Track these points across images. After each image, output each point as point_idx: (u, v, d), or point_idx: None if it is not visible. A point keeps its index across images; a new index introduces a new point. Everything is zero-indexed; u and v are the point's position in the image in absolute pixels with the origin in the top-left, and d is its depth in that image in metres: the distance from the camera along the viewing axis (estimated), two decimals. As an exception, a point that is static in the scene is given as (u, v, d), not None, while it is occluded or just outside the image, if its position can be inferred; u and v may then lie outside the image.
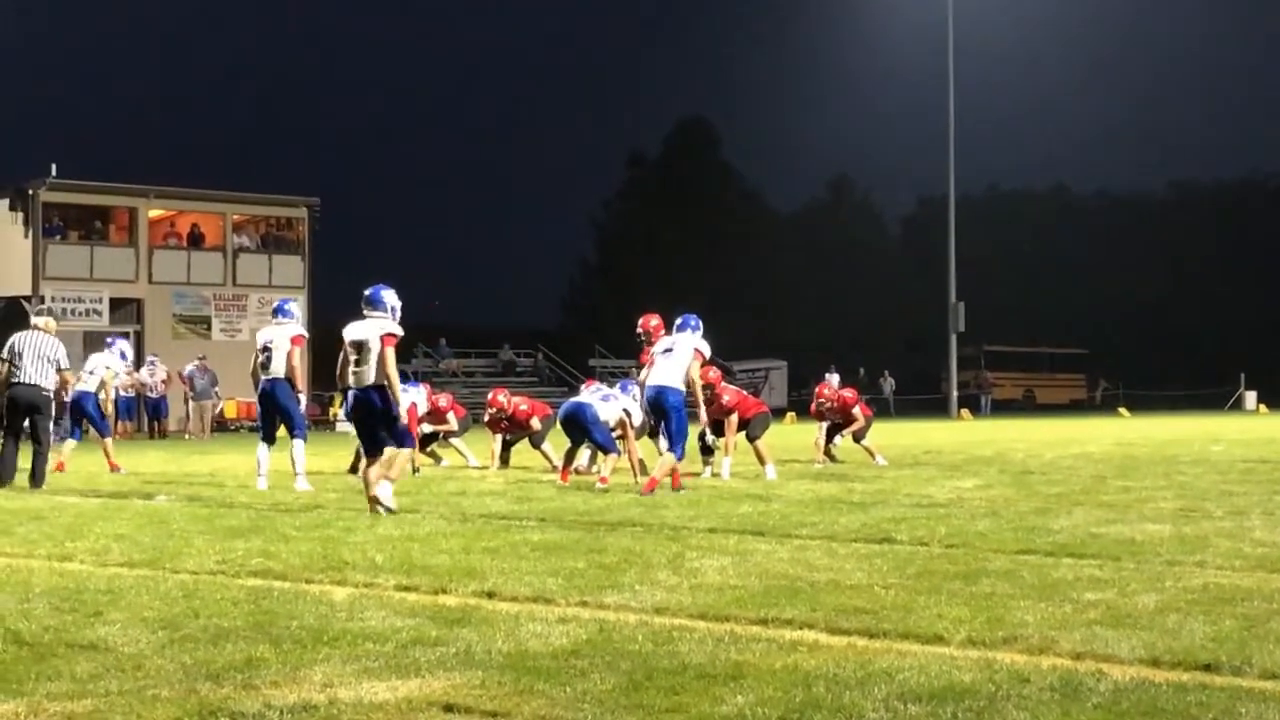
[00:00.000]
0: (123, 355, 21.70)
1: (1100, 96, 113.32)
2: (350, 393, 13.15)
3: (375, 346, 12.95)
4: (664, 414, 15.32)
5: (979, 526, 11.10)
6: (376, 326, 13.06)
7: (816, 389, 21.79)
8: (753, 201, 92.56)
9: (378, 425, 13.02)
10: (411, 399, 15.76)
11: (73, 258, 43.21)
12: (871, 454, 20.56)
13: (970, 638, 6.48)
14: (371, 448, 13.14)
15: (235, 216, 46.84)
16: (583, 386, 19.73)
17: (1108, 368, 74.77)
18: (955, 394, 58.01)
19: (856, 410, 20.95)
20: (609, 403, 17.39)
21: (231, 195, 47.71)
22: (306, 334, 16.69)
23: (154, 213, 45.52)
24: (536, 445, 19.99)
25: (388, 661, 6.13)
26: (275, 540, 10.62)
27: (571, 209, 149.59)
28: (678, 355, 15.39)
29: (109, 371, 21.07)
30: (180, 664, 6.12)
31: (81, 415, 20.93)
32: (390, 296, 13.30)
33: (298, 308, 17.23)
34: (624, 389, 18.23)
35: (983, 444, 27.03)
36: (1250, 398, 61.26)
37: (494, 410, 19.93)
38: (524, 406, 20.17)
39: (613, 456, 16.80)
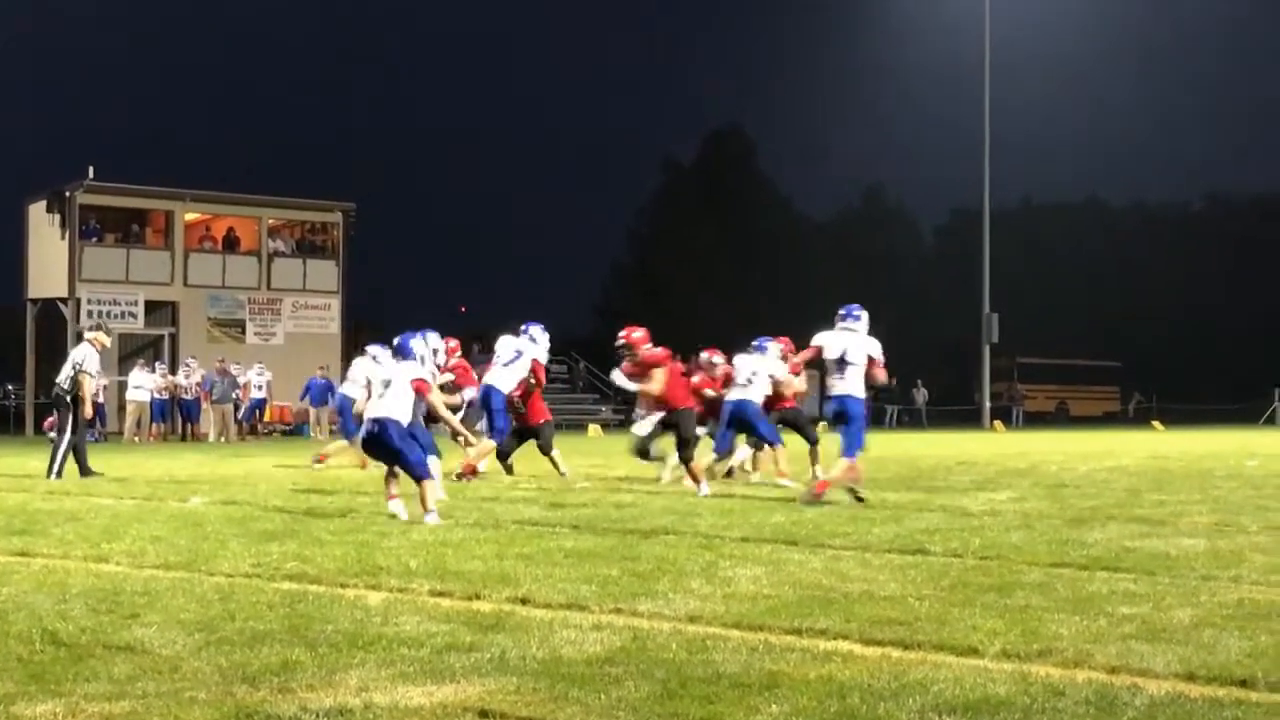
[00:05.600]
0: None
1: (1135, 110, 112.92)
2: (365, 422, 13.39)
3: (405, 389, 13.13)
4: (847, 420, 14.97)
5: (1013, 539, 11.07)
6: (407, 370, 13.30)
7: None
8: (787, 210, 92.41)
9: (388, 458, 13.23)
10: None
11: (109, 260, 43.42)
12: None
13: (1005, 650, 6.47)
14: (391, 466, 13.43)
15: (270, 220, 47.01)
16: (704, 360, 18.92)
17: (1141, 381, 74.42)
18: (988, 405, 57.84)
19: None
20: (754, 385, 17.58)
21: (267, 199, 47.87)
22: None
23: (190, 216, 45.74)
24: (545, 452, 19.59)
25: (423, 666, 6.15)
26: (310, 544, 10.67)
27: (602, 216, 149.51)
28: (857, 366, 14.94)
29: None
30: (216, 666, 6.16)
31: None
32: (419, 346, 13.71)
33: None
34: (761, 349, 18.17)
35: (1016, 456, 26.94)
36: (1285, 412, 60.88)
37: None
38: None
39: (780, 447, 17.51)
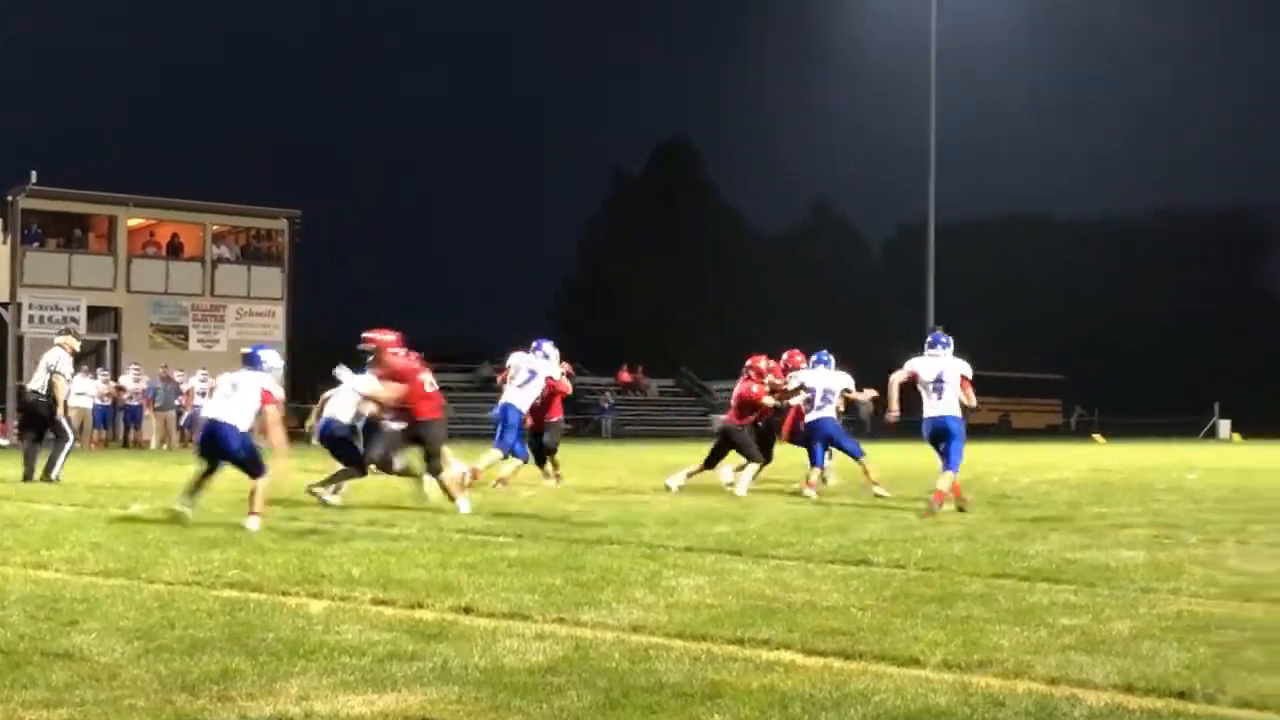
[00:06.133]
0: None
1: (1084, 125, 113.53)
2: (202, 422, 13.70)
3: (251, 396, 13.27)
4: (949, 438, 15.49)
5: (955, 550, 11.12)
6: (257, 379, 13.44)
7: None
8: (735, 223, 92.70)
9: (222, 458, 13.34)
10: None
11: (51, 265, 43.05)
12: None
13: (946, 660, 6.50)
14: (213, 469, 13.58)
15: (215, 227, 46.76)
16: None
17: (1084, 394, 74.92)
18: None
19: None
20: (831, 403, 18.28)
21: (211, 205, 47.59)
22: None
23: (133, 221, 45.41)
24: (550, 452, 19.76)
25: (364, 675, 6.12)
26: (251, 552, 10.60)
27: (550, 228, 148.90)
28: (952, 386, 15.46)
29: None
30: (156, 674, 6.11)
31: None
32: (271, 358, 13.90)
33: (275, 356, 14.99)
34: (822, 361, 18.74)
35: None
36: (1224, 426, 61.48)
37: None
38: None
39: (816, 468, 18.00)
